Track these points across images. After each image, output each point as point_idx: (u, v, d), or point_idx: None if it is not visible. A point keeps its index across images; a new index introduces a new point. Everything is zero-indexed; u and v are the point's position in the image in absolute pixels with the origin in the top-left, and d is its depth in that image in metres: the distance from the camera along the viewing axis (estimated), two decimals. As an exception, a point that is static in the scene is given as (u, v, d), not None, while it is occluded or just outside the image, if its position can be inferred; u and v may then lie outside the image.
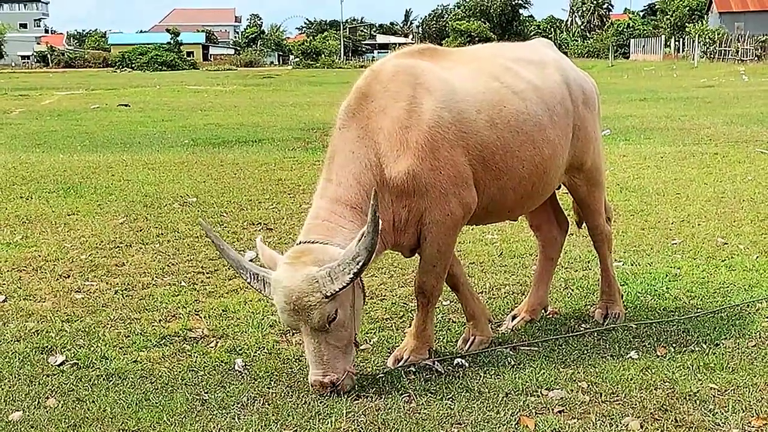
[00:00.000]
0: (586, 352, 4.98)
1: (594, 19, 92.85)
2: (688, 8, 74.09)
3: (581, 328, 5.43)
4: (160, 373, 4.74)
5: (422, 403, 4.28)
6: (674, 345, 5.03)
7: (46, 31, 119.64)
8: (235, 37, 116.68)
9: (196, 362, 4.91)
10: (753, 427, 4.01)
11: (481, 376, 4.61)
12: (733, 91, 27.87)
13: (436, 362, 4.78)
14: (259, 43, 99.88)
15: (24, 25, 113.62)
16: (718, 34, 57.48)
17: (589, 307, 5.84)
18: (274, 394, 4.42)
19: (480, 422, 4.07)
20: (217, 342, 5.27)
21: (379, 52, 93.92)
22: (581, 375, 4.61)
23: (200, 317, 5.74)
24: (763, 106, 21.29)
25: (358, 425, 4.06)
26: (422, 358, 4.81)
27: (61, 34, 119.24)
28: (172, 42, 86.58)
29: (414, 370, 4.72)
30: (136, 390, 4.50)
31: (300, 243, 4.38)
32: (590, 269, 6.69)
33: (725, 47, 54.94)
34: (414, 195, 4.53)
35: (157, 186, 10.79)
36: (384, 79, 4.65)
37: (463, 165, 4.60)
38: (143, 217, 8.94)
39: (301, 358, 4.86)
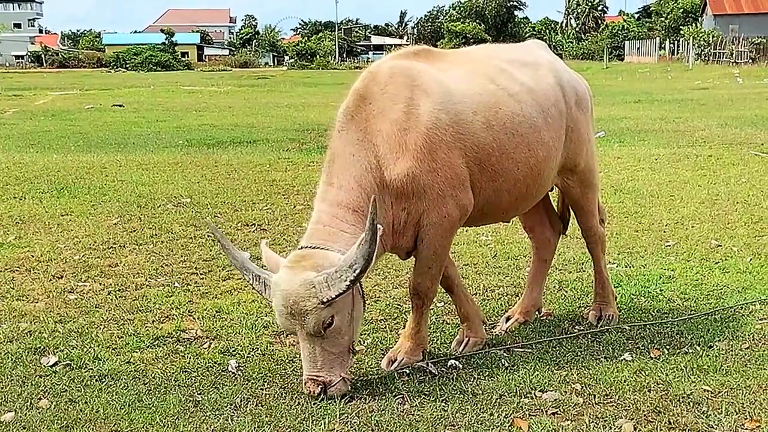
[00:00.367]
0: (579, 353, 4.98)
1: (589, 21, 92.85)
2: (682, 10, 74.27)
3: (575, 330, 5.43)
4: (153, 374, 4.73)
5: (416, 405, 4.28)
6: (668, 347, 5.04)
7: (41, 31, 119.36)
8: (230, 37, 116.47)
9: (189, 363, 4.89)
10: (746, 429, 4.01)
11: (474, 378, 4.61)
12: (728, 94, 27.91)
13: (429, 364, 4.78)
14: (253, 44, 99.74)
15: (18, 25, 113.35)
16: (713, 37, 57.63)
17: (582, 308, 5.85)
18: (267, 396, 4.41)
19: (473, 424, 4.07)
20: (211, 343, 5.26)
21: (374, 53, 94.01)
22: (575, 377, 4.61)
23: (194, 318, 5.72)
24: (757, 109, 21.35)
25: (351, 427, 4.06)
26: (416, 360, 4.81)
27: (56, 34, 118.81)
28: (166, 42, 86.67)
29: (408, 371, 4.71)
30: (128, 391, 4.49)
31: (302, 248, 4.38)
32: (584, 271, 6.69)
33: (720, 49, 55.07)
34: (413, 197, 4.52)
35: (151, 186, 10.77)
36: (381, 81, 4.64)
37: (460, 167, 4.60)
38: (137, 217, 8.93)
39: (294, 359, 4.86)
